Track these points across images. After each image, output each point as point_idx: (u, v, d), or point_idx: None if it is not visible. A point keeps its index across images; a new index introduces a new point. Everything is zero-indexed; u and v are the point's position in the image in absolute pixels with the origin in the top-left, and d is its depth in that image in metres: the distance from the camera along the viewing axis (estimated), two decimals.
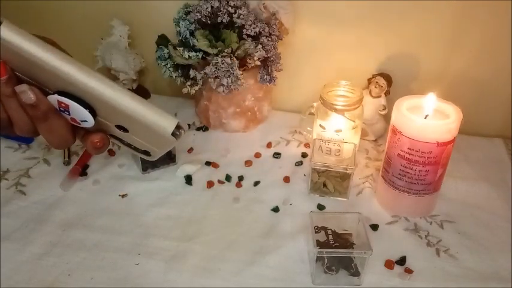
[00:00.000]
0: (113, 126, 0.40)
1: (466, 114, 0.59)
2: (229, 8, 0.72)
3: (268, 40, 0.73)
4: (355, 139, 0.72)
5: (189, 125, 0.83)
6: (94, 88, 0.35)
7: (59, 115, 0.39)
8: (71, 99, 0.36)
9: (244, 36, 0.72)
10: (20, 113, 0.38)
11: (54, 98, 0.37)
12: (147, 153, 0.44)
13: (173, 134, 0.38)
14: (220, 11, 0.72)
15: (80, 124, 0.39)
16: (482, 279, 0.56)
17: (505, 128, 0.82)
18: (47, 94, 0.37)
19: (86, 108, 0.37)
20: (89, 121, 0.38)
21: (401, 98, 0.62)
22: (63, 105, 0.37)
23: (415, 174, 0.60)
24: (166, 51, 0.74)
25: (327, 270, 0.55)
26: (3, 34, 0.33)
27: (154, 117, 0.38)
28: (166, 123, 0.38)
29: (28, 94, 0.36)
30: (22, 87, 0.36)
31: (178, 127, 0.39)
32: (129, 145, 0.44)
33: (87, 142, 0.40)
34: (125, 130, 0.40)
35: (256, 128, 0.83)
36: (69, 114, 0.38)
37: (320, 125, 0.72)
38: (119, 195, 0.66)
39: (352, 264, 0.55)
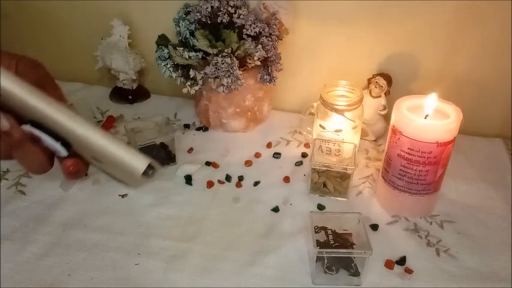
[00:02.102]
0: (89, 157, 0.40)
1: (466, 114, 0.59)
2: (229, 8, 0.72)
3: (268, 40, 0.73)
4: (355, 139, 0.72)
5: (189, 125, 0.83)
6: (63, 124, 0.36)
7: (34, 143, 0.39)
8: (44, 130, 0.37)
9: (244, 36, 0.72)
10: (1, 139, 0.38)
11: (27, 128, 0.37)
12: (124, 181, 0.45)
13: (145, 173, 0.38)
14: (220, 11, 0.72)
15: (54, 153, 0.39)
16: (482, 279, 0.56)
17: (505, 128, 0.82)
18: (22, 122, 0.37)
19: (57, 141, 0.38)
20: (62, 152, 0.38)
21: (401, 98, 0.62)
22: (35, 136, 0.38)
23: (415, 174, 0.60)
24: (166, 51, 0.74)
25: (327, 270, 0.55)
26: None
27: (125, 157, 0.38)
28: (137, 163, 0.38)
29: (1, 121, 0.36)
30: None
31: (150, 167, 0.38)
32: (107, 173, 0.44)
33: (62, 167, 0.40)
34: (100, 161, 0.40)
35: (256, 128, 0.83)
36: (43, 144, 0.39)
37: (320, 125, 0.72)
38: (119, 195, 0.66)
39: (352, 264, 0.55)
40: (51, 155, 0.40)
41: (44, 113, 0.36)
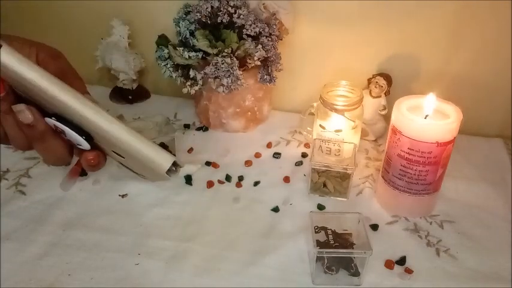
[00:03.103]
0: (110, 151, 0.40)
1: (466, 114, 0.59)
2: (229, 8, 0.72)
3: (268, 40, 0.73)
4: (355, 139, 0.72)
5: (189, 125, 0.83)
6: (89, 119, 0.36)
7: (55, 135, 0.38)
8: (67, 124, 0.37)
9: (244, 36, 0.72)
10: (16, 130, 0.38)
11: (51, 121, 0.37)
12: (143, 175, 0.45)
13: (169, 170, 0.38)
14: (220, 11, 0.72)
15: (75, 145, 0.39)
16: (482, 279, 0.56)
17: (505, 128, 0.82)
18: (45, 115, 0.37)
19: (81, 135, 0.37)
20: (84, 146, 0.38)
21: (401, 98, 0.62)
22: (59, 129, 0.37)
23: (415, 174, 0.60)
24: (166, 51, 0.74)
25: (327, 270, 0.55)
26: (2, 58, 0.32)
27: (151, 154, 0.38)
28: (162, 161, 0.38)
29: (25, 114, 0.36)
30: (20, 107, 0.36)
31: (175, 164, 0.38)
32: (126, 166, 0.44)
33: (82, 159, 0.40)
34: (122, 156, 0.40)
35: (256, 128, 0.83)
36: (65, 136, 0.38)
37: (320, 125, 0.72)
38: (119, 195, 0.66)
39: (352, 264, 0.55)
40: (71, 147, 0.40)
41: (70, 106, 0.35)
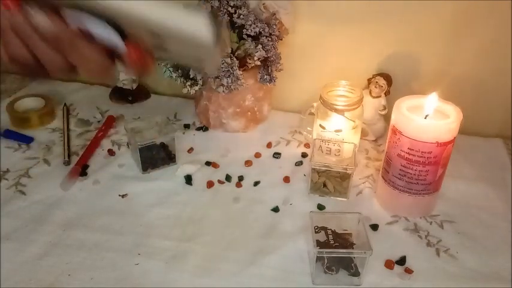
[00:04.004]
0: (150, 44, 0.34)
1: (466, 114, 0.59)
2: (229, 8, 0.72)
3: (268, 40, 0.73)
4: (355, 139, 0.72)
5: (189, 125, 0.83)
6: (110, 5, 0.31)
7: (87, 40, 0.34)
8: (91, 22, 0.32)
9: (244, 36, 0.72)
10: (47, 49, 0.34)
11: (74, 20, 0.33)
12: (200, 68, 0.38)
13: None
14: (221, 11, 0.72)
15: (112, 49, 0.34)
16: (482, 279, 0.56)
17: (505, 128, 0.82)
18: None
19: (109, 29, 0.33)
20: (119, 43, 0.34)
21: (401, 98, 0.62)
22: (85, 32, 0.33)
23: (415, 174, 0.60)
24: None
25: (327, 270, 0.55)
26: None
27: (187, 28, 0.31)
28: (201, 31, 0.31)
29: (42, 18, 0.32)
30: (36, 17, 0.32)
31: (216, 30, 0.32)
32: (175, 59, 0.38)
33: (126, 62, 0.35)
34: (163, 40, 0.34)
35: (256, 128, 0.83)
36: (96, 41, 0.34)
37: (320, 125, 0.72)
38: (119, 195, 0.66)
39: (352, 264, 0.55)
40: (109, 52, 0.35)
41: None
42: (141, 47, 0.35)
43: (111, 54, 0.35)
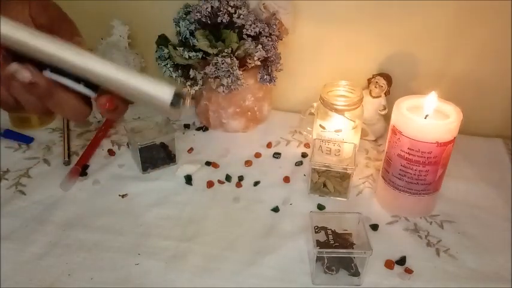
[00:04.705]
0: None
1: (466, 114, 0.59)
2: (229, 8, 0.72)
3: (268, 40, 0.73)
4: (355, 139, 0.72)
5: (189, 125, 0.83)
6: (77, 65, 0.35)
7: (63, 88, 0.37)
8: (64, 75, 0.36)
9: (244, 36, 0.72)
10: (25, 93, 0.37)
11: (47, 74, 0.36)
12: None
13: (173, 103, 0.36)
14: (220, 11, 0.72)
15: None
16: (482, 279, 0.56)
17: (505, 128, 0.82)
18: (41, 70, 0.36)
19: (79, 82, 0.36)
20: (88, 93, 0.37)
21: (401, 98, 0.62)
22: (59, 83, 0.36)
23: (415, 174, 0.60)
24: (166, 51, 0.74)
25: (327, 270, 0.55)
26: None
27: (148, 90, 0.35)
28: (162, 95, 0.35)
29: (22, 72, 0.35)
30: (13, 67, 0.35)
31: (177, 95, 0.36)
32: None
33: (98, 107, 0.38)
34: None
35: (256, 128, 0.83)
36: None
37: (320, 125, 0.72)
38: (119, 195, 0.66)
39: (352, 264, 0.55)
40: (86, 98, 0.38)
41: (57, 56, 0.34)
42: (112, 96, 0.38)
43: (87, 98, 0.39)
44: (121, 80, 0.35)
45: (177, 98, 0.36)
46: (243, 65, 0.74)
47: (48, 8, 0.42)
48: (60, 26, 0.38)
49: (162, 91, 0.36)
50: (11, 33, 0.34)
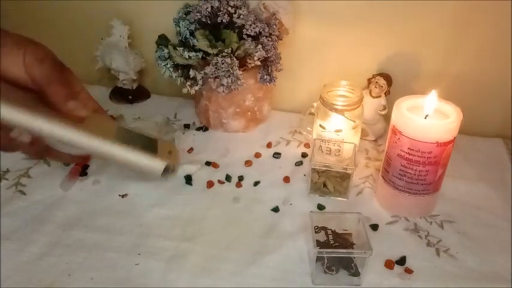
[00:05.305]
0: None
1: (466, 114, 0.59)
2: (229, 8, 0.72)
3: (268, 40, 0.73)
4: (355, 139, 0.72)
5: (189, 125, 0.83)
6: (71, 141, 0.43)
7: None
8: None
9: (244, 36, 0.72)
10: (25, 147, 0.44)
11: None
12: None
13: (164, 173, 0.43)
14: (220, 11, 0.72)
15: None
16: (482, 279, 0.56)
17: (505, 128, 0.82)
18: None
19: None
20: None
21: (401, 98, 0.62)
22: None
23: (415, 174, 0.60)
24: (166, 51, 0.74)
25: (327, 270, 0.55)
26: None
27: (141, 165, 0.43)
28: (153, 168, 0.43)
29: (23, 137, 0.42)
30: (15, 133, 0.41)
31: (166, 169, 0.43)
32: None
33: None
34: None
35: (256, 128, 0.83)
36: None
37: (320, 125, 0.72)
38: (119, 195, 0.66)
39: (352, 264, 0.55)
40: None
41: (54, 136, 0.42)
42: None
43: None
44: (114, 156, 0.43)
45: (166, 171, 0.44)
46: (243, 65, 0.74)
47: (43, 62, 0.44)
48: (53, 85, 0.43)
49: (153, 165, 0.44)
50: (8, 116, 0.40)
